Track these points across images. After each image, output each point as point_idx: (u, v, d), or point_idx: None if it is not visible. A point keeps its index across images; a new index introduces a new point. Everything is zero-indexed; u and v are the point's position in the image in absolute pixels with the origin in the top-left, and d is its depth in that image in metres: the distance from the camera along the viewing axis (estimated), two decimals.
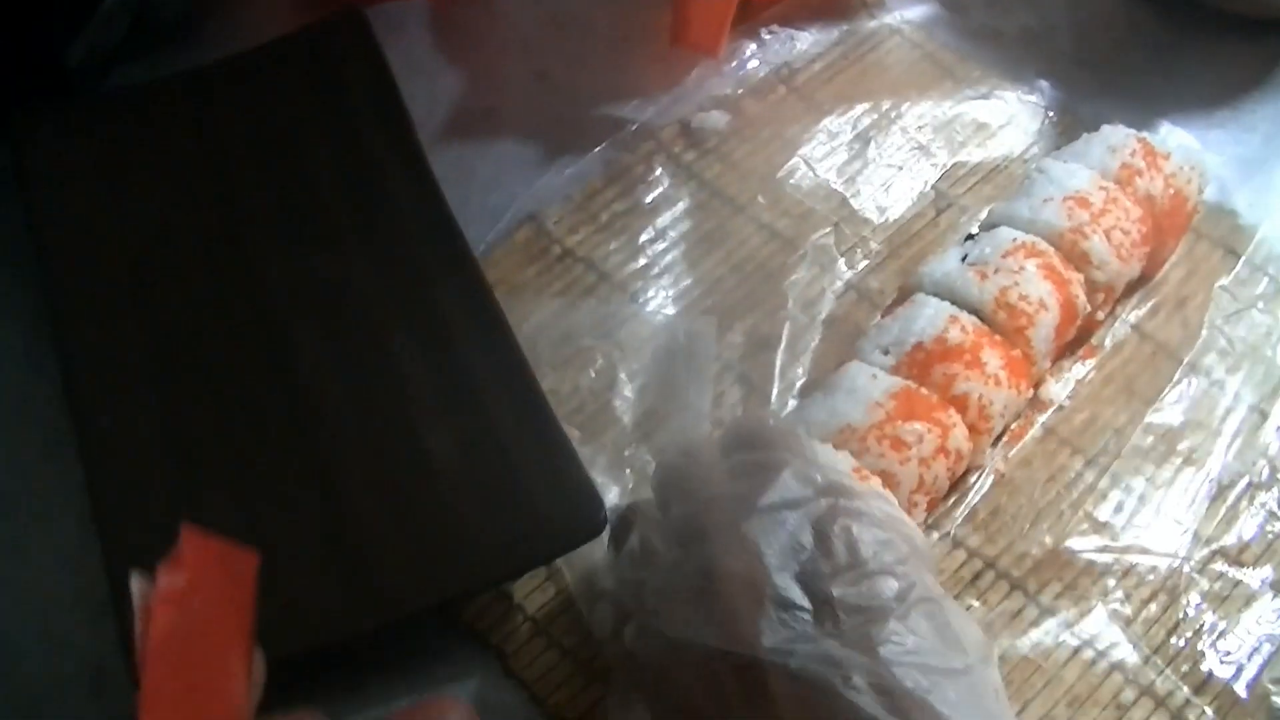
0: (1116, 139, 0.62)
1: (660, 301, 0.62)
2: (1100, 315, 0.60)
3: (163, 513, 0.52)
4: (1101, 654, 0.52)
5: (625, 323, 0.61)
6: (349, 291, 0.59)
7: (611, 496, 0.54)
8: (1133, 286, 0.61)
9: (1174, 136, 0.68)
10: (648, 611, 0.43)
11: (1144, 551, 0.54)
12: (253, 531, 0.46)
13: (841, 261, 0.63)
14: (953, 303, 0.56)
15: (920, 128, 0.69)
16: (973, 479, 0.56)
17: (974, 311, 0.56)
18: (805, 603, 0.40)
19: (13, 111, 0.65)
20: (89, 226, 0.61)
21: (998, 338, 0.55)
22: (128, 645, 0.44)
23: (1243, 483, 0.57)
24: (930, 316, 0.55)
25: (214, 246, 0.61)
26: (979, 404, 0.53)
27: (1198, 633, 0.53)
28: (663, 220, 0.64)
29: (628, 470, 0.56)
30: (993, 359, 0.54)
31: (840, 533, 0.42)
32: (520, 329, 0.57)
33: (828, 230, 0.64)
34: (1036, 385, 0.58)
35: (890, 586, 0.41)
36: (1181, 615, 0.53)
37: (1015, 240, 0.57)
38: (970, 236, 0.60)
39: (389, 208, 0.61)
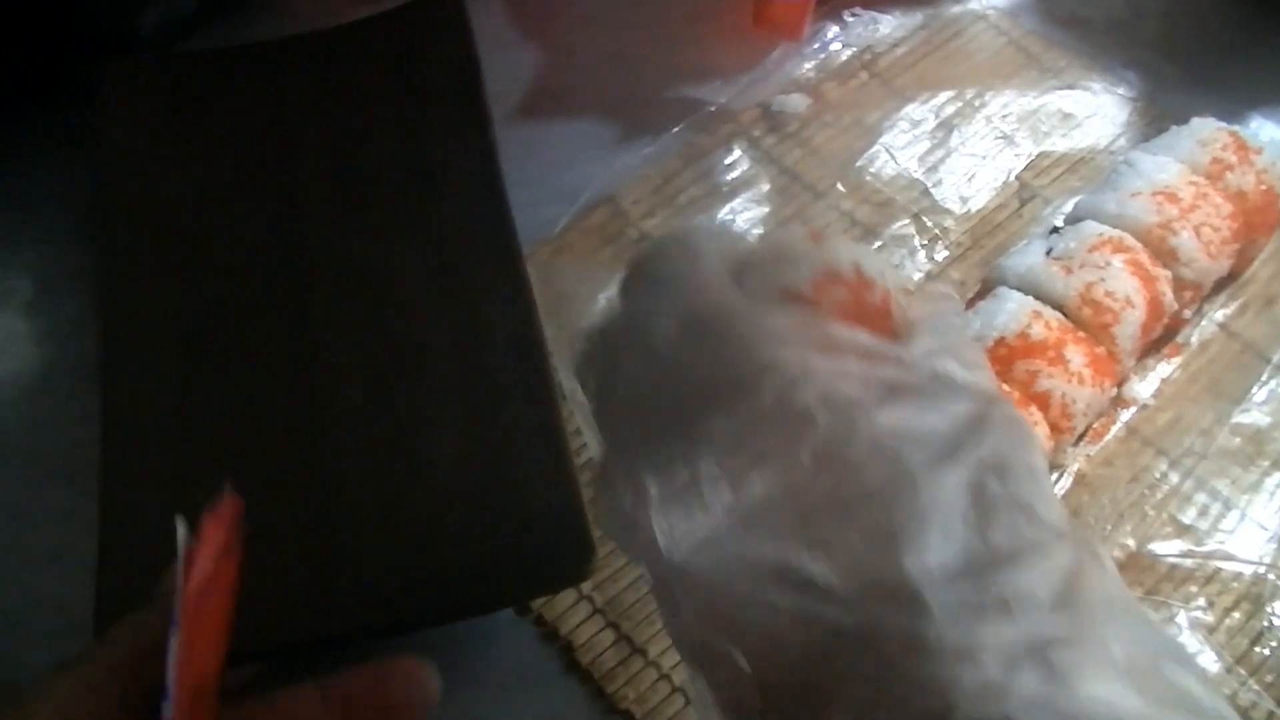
0: (1206, 132, 0.61)
1: None
2: (1187, 313, 0.59)
3: (162, 483, 0.53)
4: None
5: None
6: (390, 285, 0.59)
7: None
8: (1221, 284, 0.61)
9: (1265, 130, 0.67)
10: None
11: (1228, 558, 0.54)
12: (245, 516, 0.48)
13: (922, 252, 0.63)
14: (1036, 297, 0.56)
15: (1004, 116, 0.68)
16: (1053, 478, 0.56)
17: (1058, 307, 0.55)
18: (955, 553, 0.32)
19: (89, 66, 0.65)
20: (149, 187, 0.62)
21: (1081, 334, 0.55)
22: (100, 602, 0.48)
23: None
24: (1013, 311, 0.55)
25: (266, 220, 0.61)
26: (1061, 402, 0.53)
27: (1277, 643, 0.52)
28: (740, 205, 0.64)
29: None
30: (1076, 356, 0.54)
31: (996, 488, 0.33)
32: (596, 299, 0.58)
33: (908, 220, 0.64)
34: (1120, 383, 0.58)
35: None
36: (1266, 624, 0.52)
37: (1101, 235, 0.57)
38: (1055, 229, 0.59)
39: (449, 205, 0.60)
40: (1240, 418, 0.58)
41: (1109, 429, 0.58)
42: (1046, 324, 0.54)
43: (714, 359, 0.35)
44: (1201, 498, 0.56)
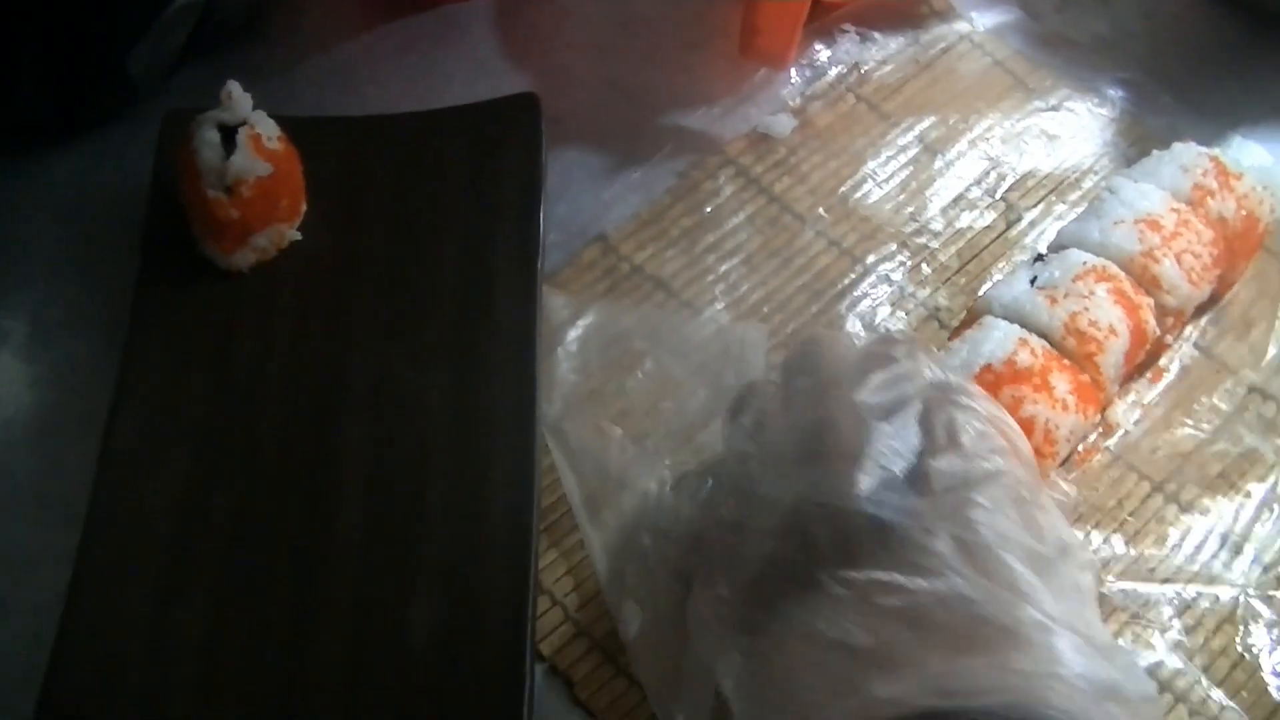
0: (1189, 158, 0.64)
1: (722, 312, 0.65)
2: (1169, 339, 0.63)
3: (143, 583, 0.55)
4: (1165, 685, 0.55)
5: (678, 329, 0.64)
6: (412, 416, 0.60)
7: (651, 489, 0.57)
8: (1202, 307, 0.64)
9: (1246, 150, 0.70)
10: (750, 476, 0.48)
11: (1210, 581, 0.58)
12: (216, 632, 0.53)
13: (907, 277, 0.67)
14: (1022, 326, 0.59)
15: (989, 138, 0.72)
16: None
17: (1043, 336, 0.59)
18: (900, 469, 0.45)
19: (84, 104, 0.69)
20: (191, 257, 0.65)
21: (1067, 362, 0.58)
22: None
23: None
24: (999, 339, 0.58)
25: (303, 308, 0.64)
26: (1045, 428, 0.56)
27: (1262, 664, 0.56)
28: (730, 235, 0.68)
29: (667, 470, 0.58)
30: (1061, 383, 0.57)
31: (945, 418, 0.46)
32: (575, 326, 0.62)
33: (894, 245, 0.68)
34: (1104, 409, 0.61)
35: (982, 469, 0.45)
36: (1246, 647, 0.56)
37: (1085, 264, 0.60)
38: (1040, 257, 0.63)
39: (484, 344, 0.62)
40: (1222, 443, 0.61)
41: (1093, 455, 0.61)
42: (1032, 352, 0.58)
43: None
44: (1185, 520, 0.59)
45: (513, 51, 0.77)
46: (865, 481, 0.44)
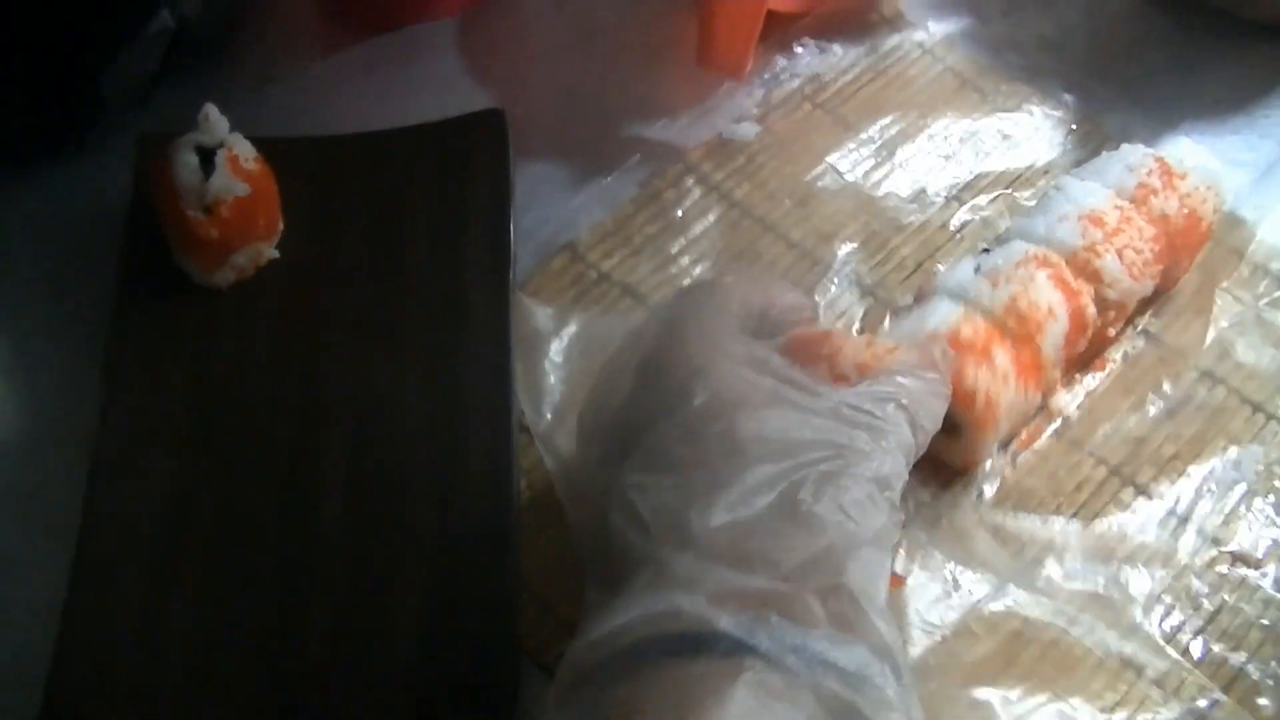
0: (1135, 158, 0.67)
1: None
2: (1112, 332, 0.65)
3: (134, 587, 0.58)
4: (1125, 660, 0.57)
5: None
6: (391, 415, 0.63)
7: None
8: (1146, 302, 0.67)
9: (1191, 149, 0.74)
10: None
11: (1168, 559, 0.60)
12: (207, 629, 0.56)
13: (867, 273, 0.69)
14: (965, 306, 0.62)
15: (945, 139, 0.75)
16: (978, 482, 0.62)
17: (985, 316, 0.61)
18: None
19: (58, 124, 0.71)
20: (168, 276, 0.67)
21: (1008, 342, 0.61)
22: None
23: (1240, 488, 0.63)
24: (944, 314, 0.61)
25: (282, 319, 0.66)
26: (986, 397, 0.58)
27: (1209, 629, 0.58)
28: (693, 241, 0.70)
29: None
30: (1002, 357, 0.59)
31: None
32: (559, 337, 0.65)
33: (854, 245, 0.70)
34: (1047, 394, 0.64)
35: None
36: (1204, 618, 0.59)
37: (1027, 252, 0.63)
38: (985, 250, 0.65)
39: (461, 342, 0.65)
40: (1171, 424, 0.64)
41: (1036, 439, 0.64)
42: (975, 327, 0.60)
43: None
44: (1140, 502, 0.62)
45: (476, 67, 0.79)
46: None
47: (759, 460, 0.46)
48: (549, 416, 0.63)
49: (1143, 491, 0.62)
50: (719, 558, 0.44)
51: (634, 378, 0.51)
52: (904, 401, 0.49)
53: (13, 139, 0.72)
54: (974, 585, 0.59)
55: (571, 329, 0.65)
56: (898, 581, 0.58)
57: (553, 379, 0.64)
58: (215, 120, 0.65)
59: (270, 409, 0.63)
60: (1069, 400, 0.65)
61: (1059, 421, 0.65)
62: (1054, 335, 0.61)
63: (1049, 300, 0.61)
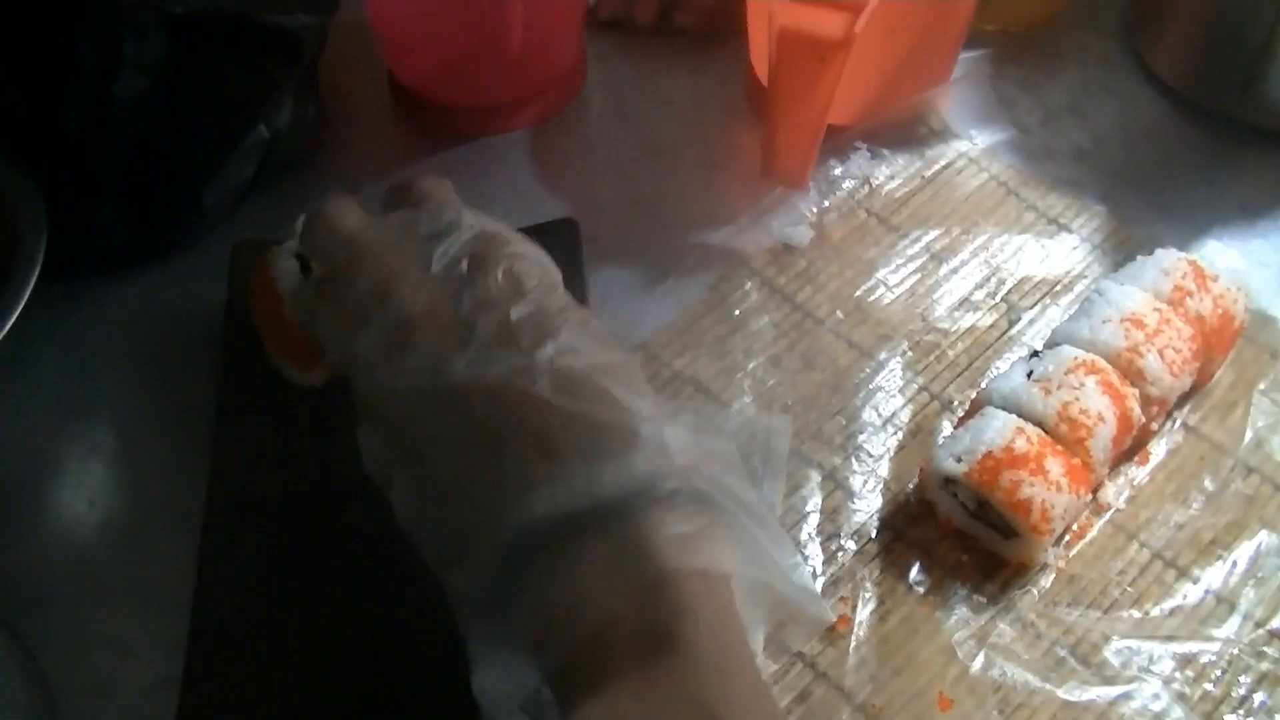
0: (1169, 262, 0.72)
1: (750, 405, 0.73)
2: (1154, 425, 0.70)
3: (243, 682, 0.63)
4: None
5: (712, 420, 0.71)
6: None
7: None
8: (1184, 397, 0.72)
9: (1219, 252, 0.78)
10: (366, 365, 0.55)
11: (1207, 639, 0.65)
12: (313, 699, 0.61)
13: (917, 372, 0.75)
14: (1019, 415, 0.67)
15: (989, 246, 0.80)
16: (1035, 576, 0.67)
17: (1038, 423, 0.66)
18: (487, 329, 0.52)
19: (235, 247, 0.77)
20: (267, 381, 0.71)
21: (1060, 448, 0.66)
22: None
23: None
24: (999, 428, 0.66)
25: None
26: (1042, 507, 0.64)
27: (1253, 709, 0.63)
28: (756, 339, 0.75)
29: None
30: (1055, 467, 0.65)
31: (505, 268, 0.55)
32: None
33: (906, 345, 0.76)
34: (1095, 490, 0.69)
35: (552, 305, 0.54)
36: (1238, 695, 0.63)
37: (1076, 358, 0.68)
38: (1035, 354, 0.71)
39: None
40: (1210, 515, 0.69)
41: (1087, 532, 0.69)
42: (1028, 439, 0.65)
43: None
44: (1183, 584, 0.67)
45: (546, 177, 0.85)
46: (462, 357, 0.52)
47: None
48: None
49: (1185, 575, 0.67)
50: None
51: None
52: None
53: (119, 245, 0.78)
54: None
55: None
56: (945, 703, 0.63)
57: None
58: None
59: (363, 501, 0.68)
60: (1116, 493, 0.70)
61: (1108, 514, 0.69)
62: (1103, 438, 0.66)
63: (1099, 406, 0.66)
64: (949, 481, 0.66)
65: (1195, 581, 0.67)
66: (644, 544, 0.48)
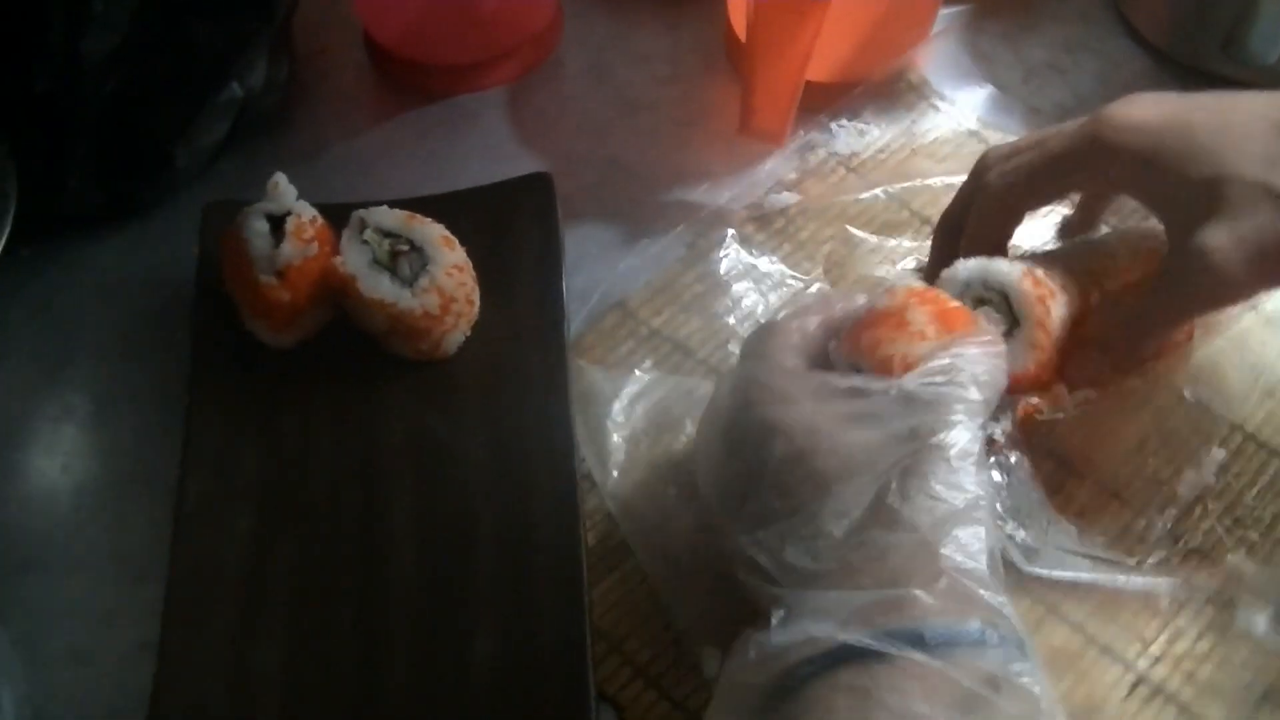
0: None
1: (725, 370, 0.72)
2: None
3: (222, 636, 0.62)
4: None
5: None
6: (453, 464, 0.67)
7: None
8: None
9: None
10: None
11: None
12: (292, 673, 0.60)
13: None
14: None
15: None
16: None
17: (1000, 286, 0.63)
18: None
19: (207, 207, 0.76)
20: (240, 341, 0.71)
21: (936, 294, 0.60)
22: None
23: None
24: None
25: (343, 377, 0.70)
26: (904, 361, 0.57)
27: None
28: (738, 299, 0.75)
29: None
30: (919, 316, 0.57)
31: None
32: (619, 398, 0.69)
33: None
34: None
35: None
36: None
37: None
38: None
39: (517, 398, 0.69)
40: None
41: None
42: (892, 294, 0.59)
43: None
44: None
45: (522, 136, 0.84)
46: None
47: (841, 481, 0.51)
48: (615, 474, 0.67)
49: None
50: (834, 582, 0.49)
51: (722, 447, 0.56)
52: (963, 367, 0.54)
53: (91, 205, 0.77)
54: None
55: (630, 390, 0.70)
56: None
57: (615, 437, 0.68)
58: (284, 189, 0.69)
59: (337, 460, 0.68)
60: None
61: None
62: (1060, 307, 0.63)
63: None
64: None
65: None
66: None
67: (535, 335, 0.71)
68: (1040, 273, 0.63)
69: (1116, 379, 0.66)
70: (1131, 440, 0.68)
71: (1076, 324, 0.64)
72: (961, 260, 0.64)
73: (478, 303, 0.71)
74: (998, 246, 0.66)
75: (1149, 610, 0.63)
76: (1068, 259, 0.67)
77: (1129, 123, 0.61)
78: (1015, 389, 0.61)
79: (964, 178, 0.70)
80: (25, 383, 0.73)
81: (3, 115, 0.71)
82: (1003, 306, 0.62)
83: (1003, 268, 0.62)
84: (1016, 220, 0.67)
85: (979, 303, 0.62)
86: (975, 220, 0.66)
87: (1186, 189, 0.59)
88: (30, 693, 0.61)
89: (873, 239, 0.77)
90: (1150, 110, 0.62)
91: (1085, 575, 0.63)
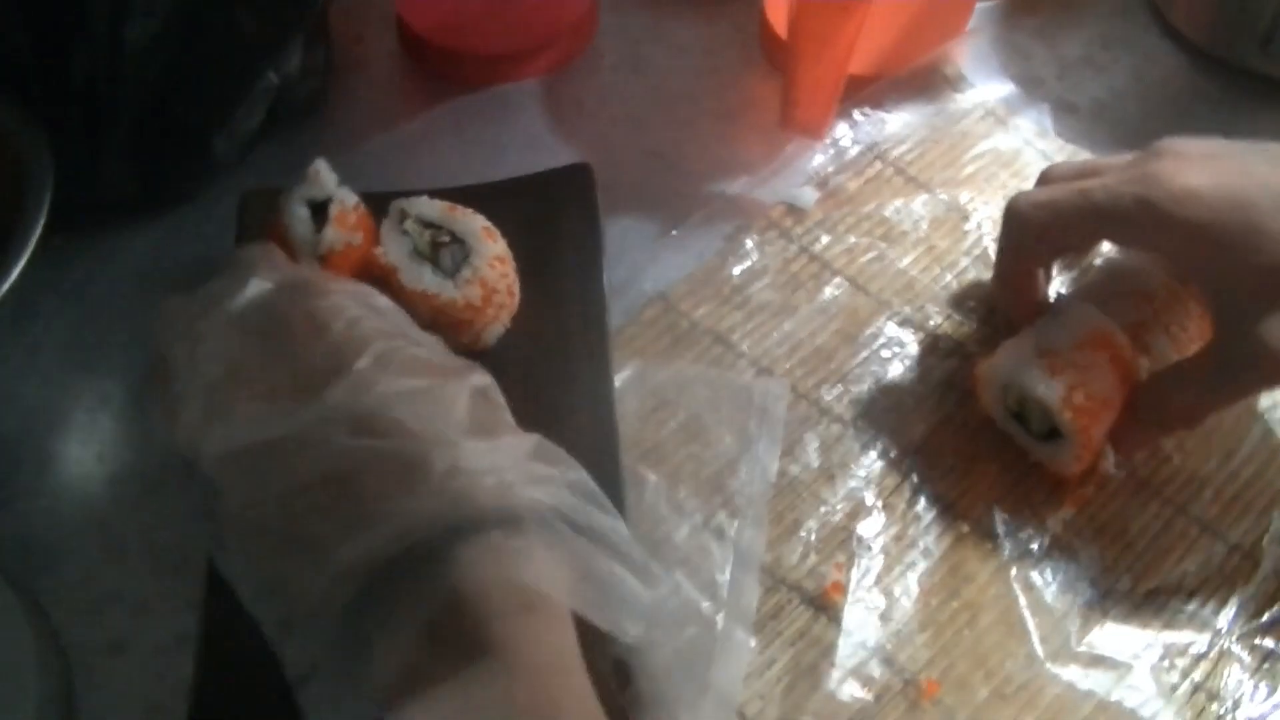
0: None
1: (748, 366, 0.71)
2: None
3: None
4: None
5: (709, 382, 0.70)
6: None
7: (681, 532, 0.64)
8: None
9: None
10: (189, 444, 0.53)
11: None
12: None
13: (935, 321, 0.73)
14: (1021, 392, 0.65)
15: (1006, 197, 0.78)
16: None
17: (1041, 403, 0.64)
18: (284, 380, 0.51)
19: (244, 195, 0.74)
20: None
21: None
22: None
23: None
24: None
25: None
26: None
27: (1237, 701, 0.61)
28: (775, 290, 0.74)
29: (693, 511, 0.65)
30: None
31: (301, 312, 0.53)
32: (615, 380, 0.68)
33: (922, 294, 0.74)
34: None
35: (357, 335, 0.52)
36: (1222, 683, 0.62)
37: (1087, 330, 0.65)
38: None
39: (564, 383, 0.68)
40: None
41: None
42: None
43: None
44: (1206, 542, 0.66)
45: (559, 127, 0.83)
46: (264, 418, 0.50)
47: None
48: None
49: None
50: None
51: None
52: None
53: (128, 194, 0.76)
54: None
55: (627, 373, 0.70)
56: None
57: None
58: (326, 175, 0.68)
59: None
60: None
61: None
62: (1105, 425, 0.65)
63: (1105, 390, 0.64)
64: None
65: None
66: (453, 574, 0.46)
67: (577, 327, 0.69)
68: (1082, 395, 0.63)
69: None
70: None
71: (1121, 380, 0.65)
72: (1004, 354, 0.66)
73: (518, 294, 0.70)
74: (1028, 293, 0.68)
75: None
76: (1104, 303, 0.67)
77: (1185, 191, 0.60)
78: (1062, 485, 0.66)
79: (997, 172, 0.69)
80: (61, 371, 0.72)
81: (41, 102, 0.70)
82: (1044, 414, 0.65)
83: (1041, 390, 0.63)
84: (1047, 261, 0.69)
85: (1020, 405, 0.66)
86: (1004, 254, 0.68)
87: (1247, 275, 0.59)
88: (66, 686, 0.60)
89: (909, 234, 0.76)
90: (1204, 177, 0.60)
91: None
